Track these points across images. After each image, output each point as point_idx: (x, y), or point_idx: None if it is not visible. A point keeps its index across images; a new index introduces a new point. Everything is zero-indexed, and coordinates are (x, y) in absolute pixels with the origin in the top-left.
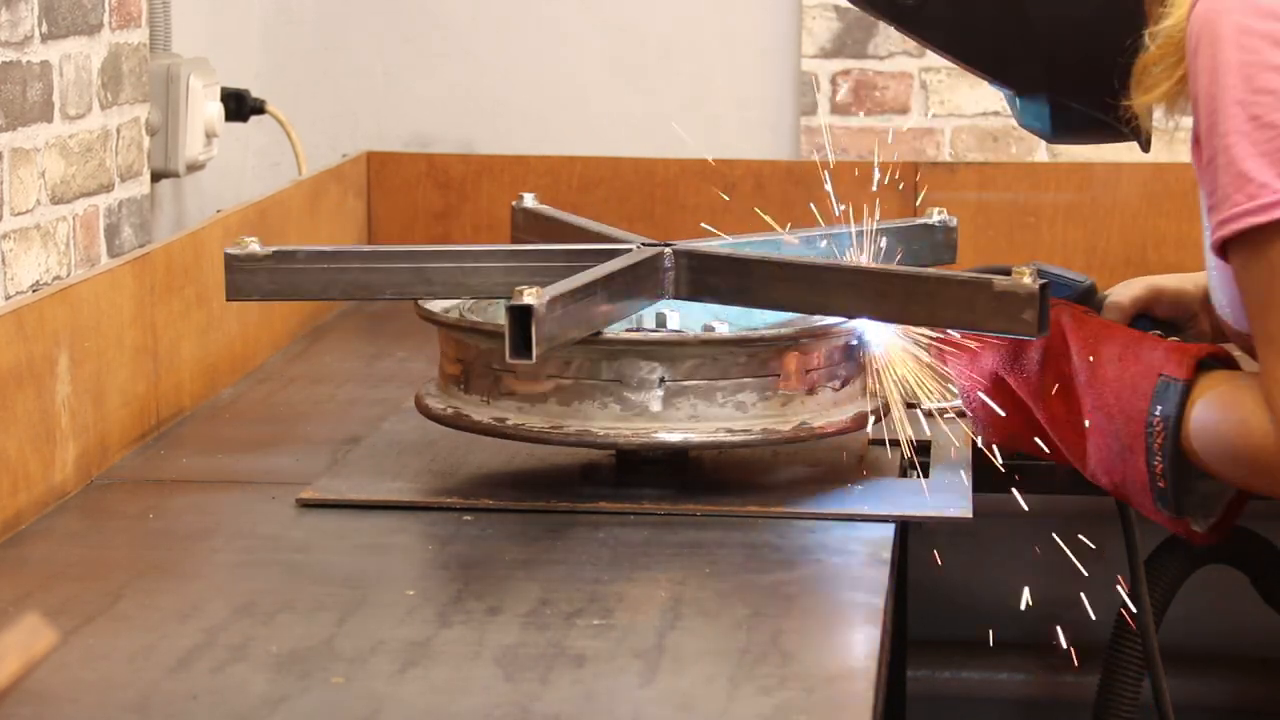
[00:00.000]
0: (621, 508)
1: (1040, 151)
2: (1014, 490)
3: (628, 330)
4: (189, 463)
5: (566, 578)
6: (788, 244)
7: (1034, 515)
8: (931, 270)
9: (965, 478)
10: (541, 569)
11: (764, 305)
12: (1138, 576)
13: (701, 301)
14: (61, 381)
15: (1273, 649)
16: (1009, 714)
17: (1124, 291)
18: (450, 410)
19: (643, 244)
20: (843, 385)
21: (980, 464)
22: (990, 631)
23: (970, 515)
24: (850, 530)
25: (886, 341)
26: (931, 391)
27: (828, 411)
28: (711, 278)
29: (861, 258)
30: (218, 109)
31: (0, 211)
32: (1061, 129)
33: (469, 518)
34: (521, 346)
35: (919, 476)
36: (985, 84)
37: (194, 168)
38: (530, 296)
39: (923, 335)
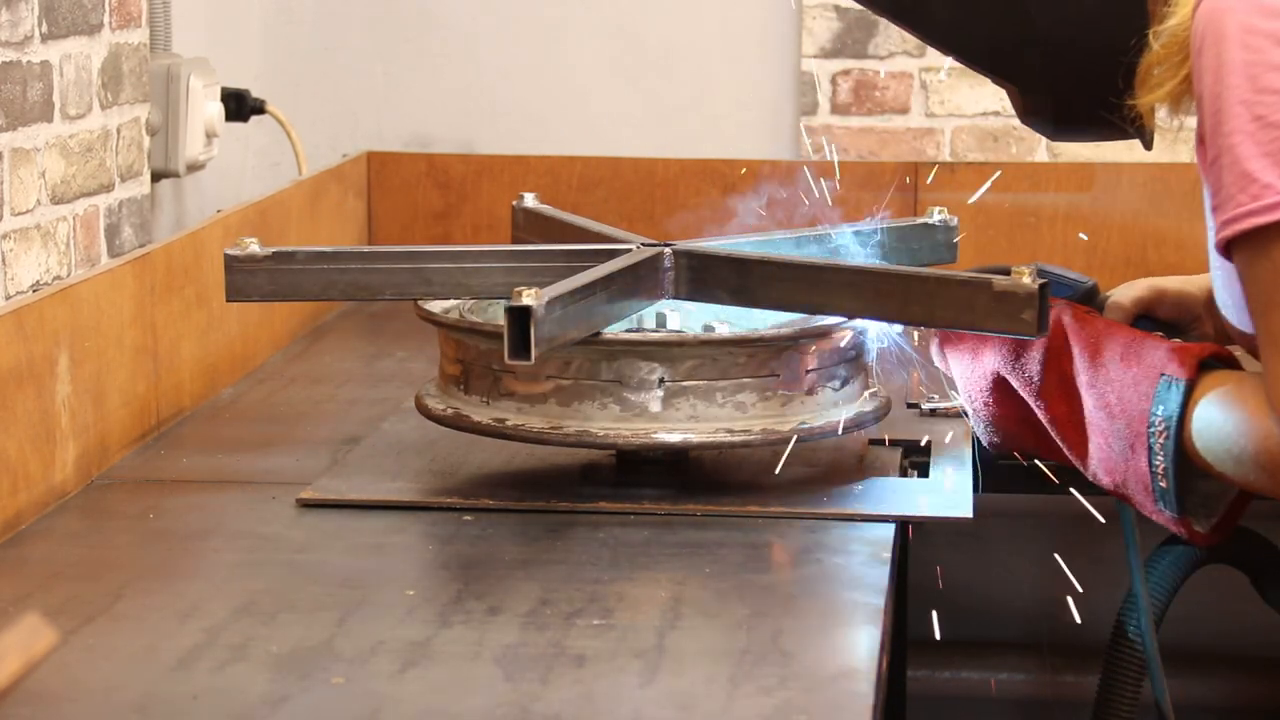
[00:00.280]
0: (621, 508)
1: (1040, 151)
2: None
3: (628, 330)
4: (189, 463)
5: (566, 578)
6: (787, 244)
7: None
8: (931, 270)
9: (965, 478)
10: (541, 569)
11: (764, 305)
12: (1138, 577)
13: (701, 301)
14: (61, 381)
15: (1273, 649)
16: (1009, 714)
17: (1126, 292)
18: (450, 411)
19: (643, 244)
20: (843, 385)
21: (980, 464)
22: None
23: (970, 515)
24: (850, 530)
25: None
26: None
27: (828, 411)
28: (711, 278)
29: (860, 258)
30: (218, 109)
31: (0, 211)
32: (1064, 127)
33: (469, 518)
34: (521, 347)
35: (919, 476)
36: (986, 84)
37: (194, 168)
38: (529, 297)
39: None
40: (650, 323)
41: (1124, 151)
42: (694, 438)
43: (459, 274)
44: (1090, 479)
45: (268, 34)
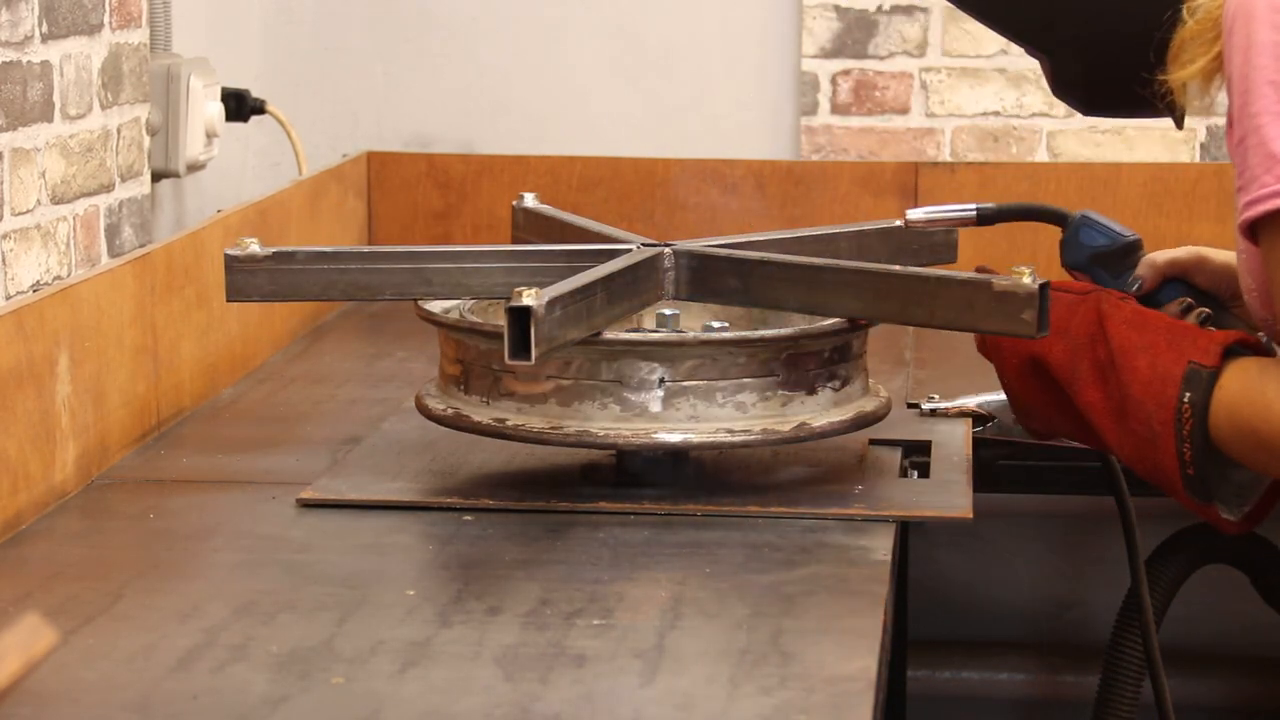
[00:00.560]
0: (621, 508)
1: (1040, 151)
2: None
3: (628, 331)
4: (189, 463)
5: (566, 578)
6: (787, 244)
7: (1034, 515)
8: (931, 270)
9: (965, 478)
10: (541, 569)
11: (764, 305)
12: (1138, 577)
13: (701, 301)
14: (62, 381)
15: (1273, 649)
16: (1009, 714)
17: (1166, 253)
18: (450, 411)
19: (643, 244)
20: (843, 385)
21: (980, 464)
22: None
23: (970, 515)
24: (850, 530)
25: None
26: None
27: (828, 411)
28: (711, 278)
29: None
30: (218, 109)
31: (1, 211)
32: (1096, 101)
33: (469, 518)
34: (521, 347)
35: (919, 476)
36: (986, 84)
37: (194, 168)
38: (529, 297)
39: None
40: (650, 323)
41: (1124, 151)
42: (694, 438)
43: (459, 274)
44: (1126, 465)
45: (268, 34)
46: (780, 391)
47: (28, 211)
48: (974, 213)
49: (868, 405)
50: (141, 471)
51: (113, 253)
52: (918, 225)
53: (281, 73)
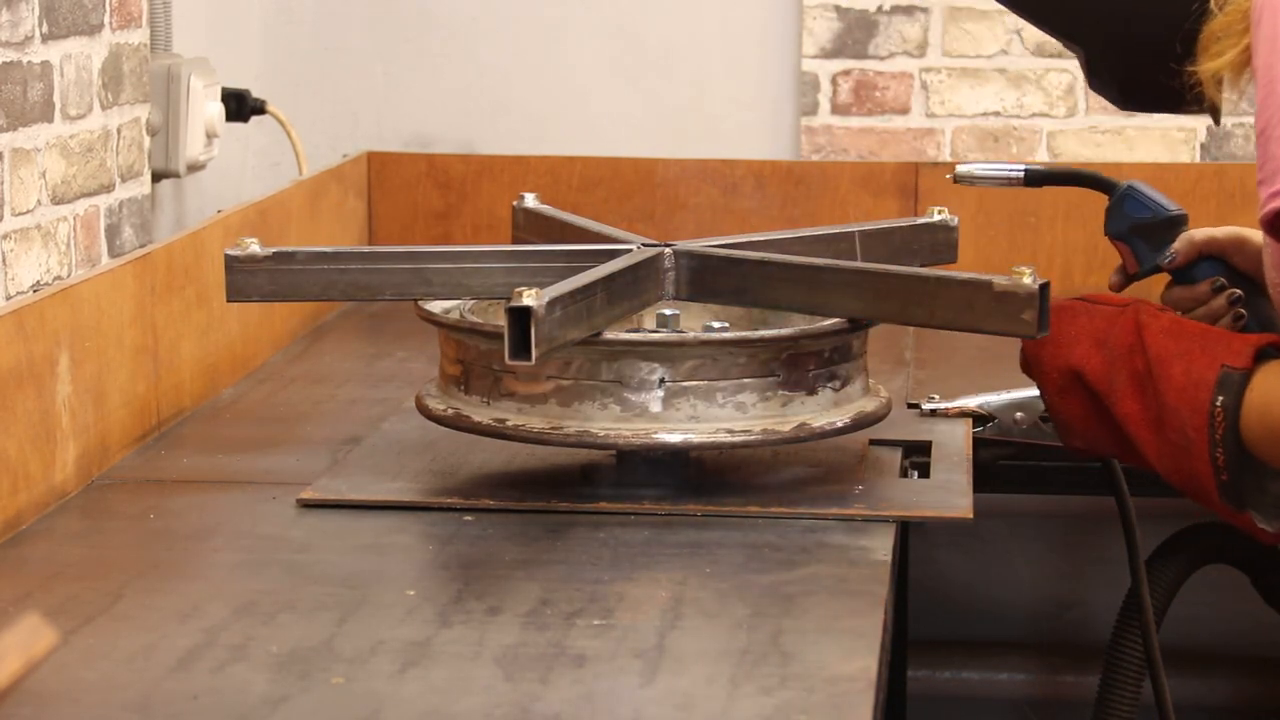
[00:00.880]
0: (621, 508)
1: (1041, 152)
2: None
3: (628, 331)
4: (189, 463)
5: (566, 578)
6: (788, 244)
7: (1034, 515)
8: (931, 270)
9: (965, 478)
10: (541, 569)
11: (764, 305)
12: (1138, 577)
13: (701, 302)
14: (62, 381)
15: (1273, 649)
16: (1009, 714)
17: (1205, 230)
18: (450, 411)
19: (643, 244)
20: (843, 385)
21: (980, 464)
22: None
23: (970, 515)
24: (850, 530)
25: None
26: None
27: (828, 411)
28: (711, 278)
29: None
30: (218, 109)
31: (1, 211)
32: (1130, 94)
33: (469, 518)
34: (521, 348)
35: (919, 476)
36: (986, 84)
37: (194, 168)
38: (529, 298)
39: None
40: (651, 323)
41: (1124, 151)
42: (694, 438)
43: (459, 274)
44: (1165, 479)
45: (268, 34)
46: (780, 392)
47: (28, 212)
48: (1022, 173)
49: (868, 405)
50: (141, 471)
51: (113, 253)
52: (965, 180)
53: (281, 73)
